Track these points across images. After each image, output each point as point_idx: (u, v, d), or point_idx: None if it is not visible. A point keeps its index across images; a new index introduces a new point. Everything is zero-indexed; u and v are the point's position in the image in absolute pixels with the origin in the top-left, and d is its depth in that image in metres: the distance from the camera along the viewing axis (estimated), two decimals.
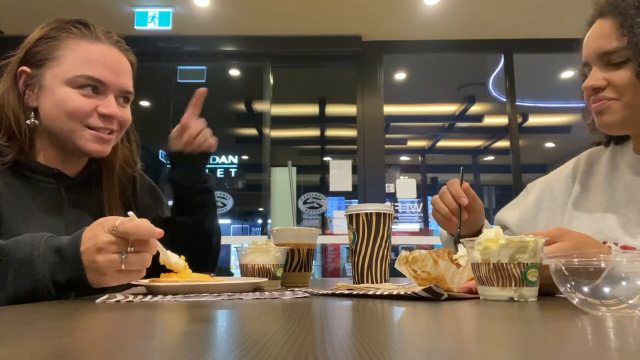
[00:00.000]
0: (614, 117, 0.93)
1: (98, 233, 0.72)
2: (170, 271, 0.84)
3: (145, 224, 0.73)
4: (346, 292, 0.79)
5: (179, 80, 4.84)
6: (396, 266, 0.88)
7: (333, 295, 0.79)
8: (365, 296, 0.76)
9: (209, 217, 1.19)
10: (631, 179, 0.99)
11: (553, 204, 1.14)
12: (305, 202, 4.65)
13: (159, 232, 0.75)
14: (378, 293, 0.75)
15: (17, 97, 0.95)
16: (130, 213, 0.74)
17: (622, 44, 0.89)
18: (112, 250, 0.71)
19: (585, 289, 0.52)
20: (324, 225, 4.77)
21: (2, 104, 0.94)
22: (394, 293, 0.73)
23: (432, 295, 0.68)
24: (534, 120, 6.32)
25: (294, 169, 1.32)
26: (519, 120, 4.87)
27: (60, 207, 0.98)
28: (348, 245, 1.07)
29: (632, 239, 0.91)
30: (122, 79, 0.99)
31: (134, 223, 0.72)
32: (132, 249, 0.72)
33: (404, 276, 0.88)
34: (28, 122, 0.94)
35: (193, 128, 1.11)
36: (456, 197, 1.02)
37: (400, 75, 5.38)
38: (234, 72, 5.15)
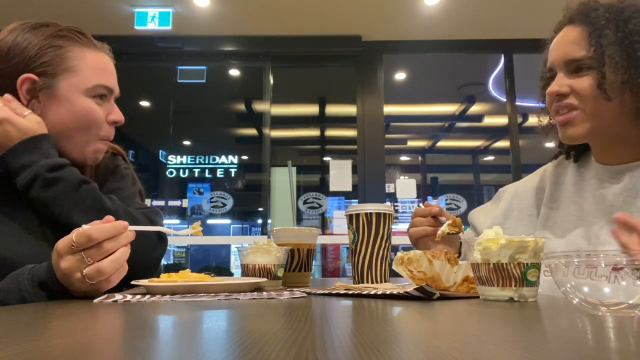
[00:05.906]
0: (578, 130, 0.96)
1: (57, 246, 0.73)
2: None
3: (105, 225, 0.73)
4: (346, 292, 0.79)
5: (179, 81, 4.84)
6: (394, 267, 0.88)
7: (332, 295, 0.79)
8: (359, 295, 0.76)
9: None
10: (596, 188, 1.01)
11: (520, 214, 1.16)
12: (305, 202, 4.65)
13: (124, 225, 0.74)
14: (372, 293, 0.75)
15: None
16: (84, 226, 0.72)
17: (589, 53, 0.92)
18: (70, 258, 0.71)
19: (585, 289, 0.52)
20: (324, 225, 4.77)
21: None
22: (387, 292, 0.73)
23: (424, 295, 0.68)
24: (534, 120, 6.30)
25: (294, 169, 1.32)
26: (519, 120, 4.87)
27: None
28: (348, 245, 1.07)
29: (602, 248, 0.92)
30: (116, 85, 1.06)
31: (94, 228, 0.71)
32: (90, 260, 0.71)
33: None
34: None
35: None
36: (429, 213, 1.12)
37: (400, 75, 5.38)
38: (234, 72, 5.14)
